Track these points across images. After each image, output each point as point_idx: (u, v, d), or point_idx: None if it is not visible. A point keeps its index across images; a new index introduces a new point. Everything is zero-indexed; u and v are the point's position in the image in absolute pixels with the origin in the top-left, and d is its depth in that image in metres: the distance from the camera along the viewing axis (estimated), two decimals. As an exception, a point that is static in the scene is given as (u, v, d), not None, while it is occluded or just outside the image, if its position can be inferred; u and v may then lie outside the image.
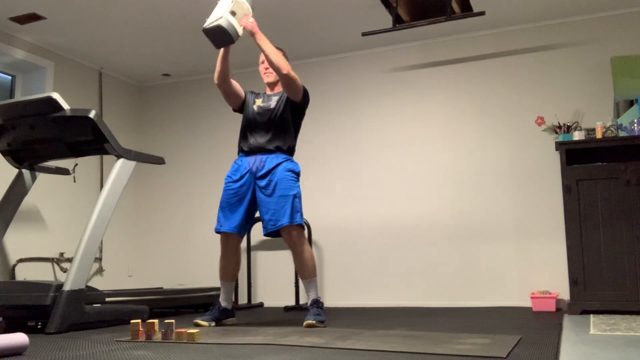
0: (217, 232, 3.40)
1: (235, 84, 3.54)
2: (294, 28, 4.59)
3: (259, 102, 3.50)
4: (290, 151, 3.46)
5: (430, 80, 4.87)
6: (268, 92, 3.56)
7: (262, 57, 3.50)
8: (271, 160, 3.36)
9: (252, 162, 3.39)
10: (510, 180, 4.54)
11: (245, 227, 3.42)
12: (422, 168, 4.80)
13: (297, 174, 3.42)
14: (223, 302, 3.40)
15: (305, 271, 3.30)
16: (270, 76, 3.51)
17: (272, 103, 3.45)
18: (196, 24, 4.45)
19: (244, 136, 3.50)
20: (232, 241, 3.40)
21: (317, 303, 3.28)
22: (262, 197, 3.33)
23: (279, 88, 3.52)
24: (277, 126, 3.42)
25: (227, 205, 3.38)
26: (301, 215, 3.33)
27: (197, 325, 3.26)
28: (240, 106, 3.58)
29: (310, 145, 5.14)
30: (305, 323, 3.15)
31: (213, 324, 3.32)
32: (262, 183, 3.33)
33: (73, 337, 2.89)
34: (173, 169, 5.66)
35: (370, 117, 5.01)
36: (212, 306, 3.48)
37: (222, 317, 3.38)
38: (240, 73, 5.50)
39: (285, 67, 3.26)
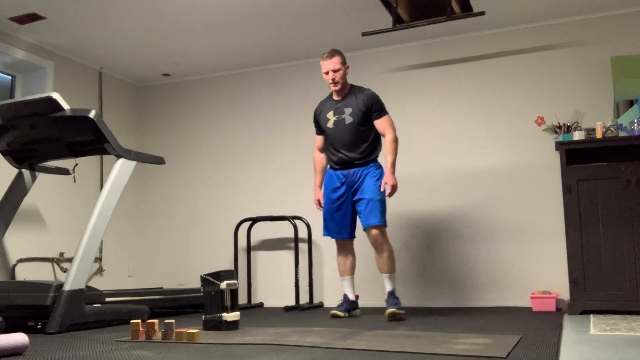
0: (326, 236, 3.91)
1: (322, 143, 3.98)
2: (294, 28, 4.59)
3: (331, 116, 3.80)
4: (376, 155, 3.83)
5: (430, 80, 4.87)
6: (335, 97, 3.84)
7: (326, 69, 3.73)
8: (360, 172, 3.74)
9: (344, 176, 3.78)
10: (510, 180, 4.54)
11: (352, 228, 3.83)
12: (422, 168, 4.80)
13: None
14: (350, 295, 3.84)
15: (385, 266, 3.69)
16: (336, 87, 3.76)
17: (346, 117, 3.74)
18: (196, 24, 4.45)
19: (330, 151, 3.87)
20: (346, 243, 3.87)
21: (393, 294, 3.66)
22: (357, 201, 3.77)
23: (345, 91, 3.80)
24: (357, 138, 3.75)
25: (328, 215, 3.84)
26: (384, 215, 3.67)
27: (336, 315, 3.70)
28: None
29: (310, 144, 5.14)
30: (387, 312, 3.51)
31: (347, 314, 3.77)
32: (356, 195, 3.75)
33: (73, 337, 2.90)
34: (173, 169, 5.66)
35: (370, 117, 5.01)
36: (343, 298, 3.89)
37: (352, 309, 3.83)
38: (241, 73, 5.51)
39: (396, 144, 3.72)
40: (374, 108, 3.72)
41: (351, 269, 3.88)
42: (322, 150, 3.97)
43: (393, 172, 3.61)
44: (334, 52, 3.74)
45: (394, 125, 3.76)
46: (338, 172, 3.81)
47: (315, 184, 3.98)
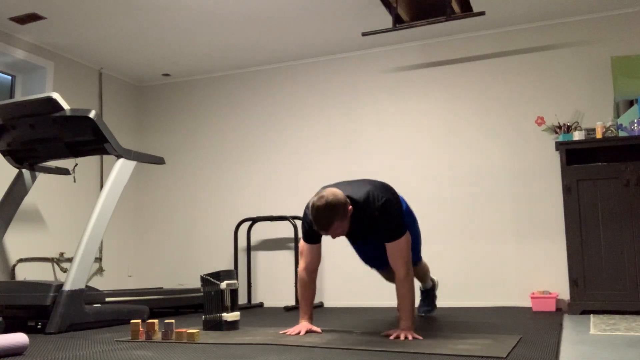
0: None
1: (317, 259, 2.95)
2: (294, 28, 4.59)
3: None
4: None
5: (430, 80, 4.87)
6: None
7: (326, 235, 2.76)
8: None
9: None
10: (510, 180, 4.54)
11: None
12: (422, 168, 4.80)
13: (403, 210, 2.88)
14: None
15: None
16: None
17: (367, 236, 2.94)
18: (196, 23, 4.46)
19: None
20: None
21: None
22: None
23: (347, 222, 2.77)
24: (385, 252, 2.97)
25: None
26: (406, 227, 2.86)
27: None
28: None
29: (310, 145, 5.15)
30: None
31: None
32: None
33: (73, 337, 2.90)
34: (173, 169, 5.66)
35: (370, 117, 5.01)
36: None
37: None
38: (241, 73, 5.51)
39: (410, 283, 2.75)
40: (383, 230, 2.76)
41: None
42: (315, 268, 2.91)
43: (409, 326, 2.68)
44: (328, 217, 2.63)
45: (409, 249, 2.76)
46: None
47: (302, 314, 2.92)
